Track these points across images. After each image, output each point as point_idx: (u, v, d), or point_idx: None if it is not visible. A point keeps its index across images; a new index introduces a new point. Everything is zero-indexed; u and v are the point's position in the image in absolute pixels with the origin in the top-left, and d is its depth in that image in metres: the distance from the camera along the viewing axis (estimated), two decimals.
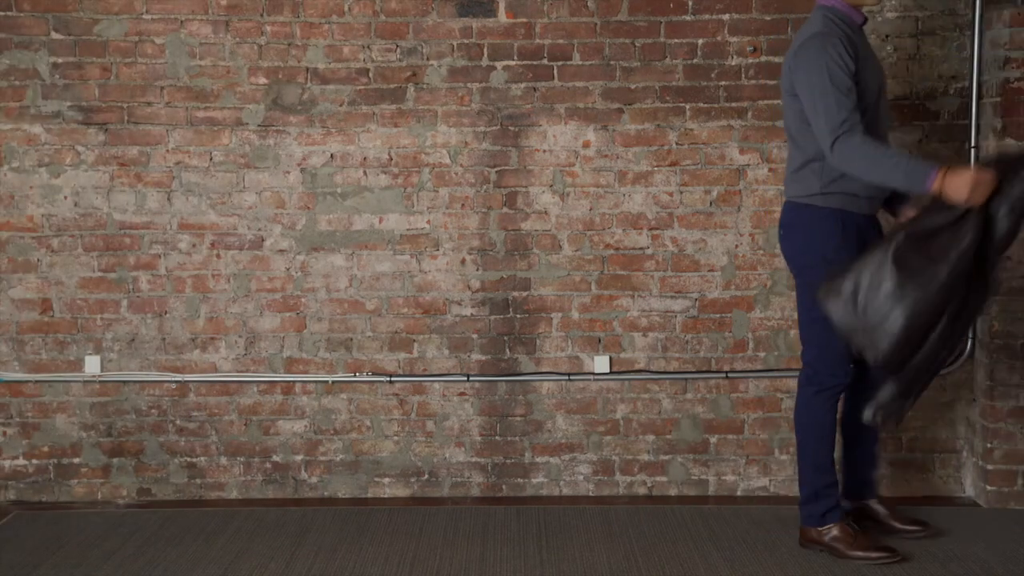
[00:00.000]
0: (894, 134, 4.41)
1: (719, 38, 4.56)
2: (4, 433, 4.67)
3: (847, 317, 3.59)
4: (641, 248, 4.63)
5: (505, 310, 4.66)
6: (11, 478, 4.68)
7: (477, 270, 4.65)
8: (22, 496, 4.69)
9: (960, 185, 3.50)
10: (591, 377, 4.67)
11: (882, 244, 3.61)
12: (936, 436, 4.66)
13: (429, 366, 4.68)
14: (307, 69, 4.59)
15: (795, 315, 4.53)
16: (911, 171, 3.58)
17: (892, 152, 3.62)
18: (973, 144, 4.49)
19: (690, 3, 4.55)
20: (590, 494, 4.71)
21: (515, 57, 4.58)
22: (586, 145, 4.61)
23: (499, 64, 4.58)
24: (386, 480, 4.72)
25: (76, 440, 4.68)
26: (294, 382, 4.69)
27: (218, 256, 4.64)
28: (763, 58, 4.56)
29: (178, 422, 4.69)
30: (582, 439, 4.70)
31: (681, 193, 4.62)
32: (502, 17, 4.57)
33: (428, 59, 4.58)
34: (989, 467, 4.46)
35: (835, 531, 3.90)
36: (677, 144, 4.60)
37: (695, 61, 4.57)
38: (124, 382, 4.67)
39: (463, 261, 4.64)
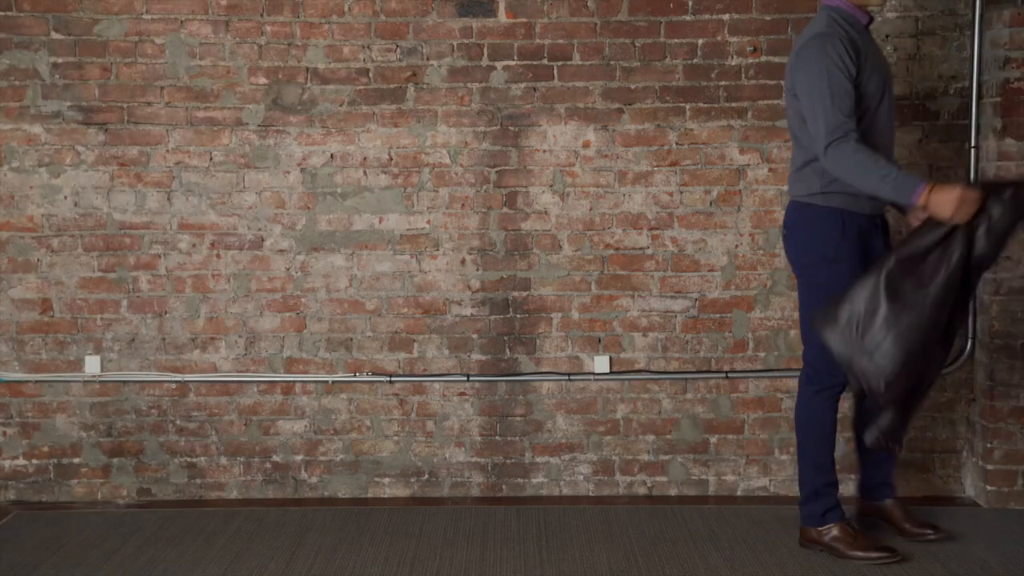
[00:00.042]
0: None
1: (719, 38, 4.56)
2: (4, 433, 4.67)
3: (845, 345, 3.64)
4: (641, 248, 4.64)
5: (505, 310, 4.66)
6: (11, 478, 4.68)
7: (477, 270, 4.65)
8: (22, 496, 4.69)
9: (946, 201, 3.56)
10: (591, 377, 4.67)
11: (875, 269, 3.65)
12: (936, 436, 4.66)
13: (429, 366, 4.68)
14: (307, 69, 4.59)
15: (795, 315, 4.53)
16: (899, 183, 3.62)
17: (883, 163, 3.64)
18: (973, 144, 4.49)
19: (690, 3, 4.55)
20: (590, 494, 4.71)
21: (515, 57, 4.58)
22: (586, 145, 4.61)
23: (499, 64, 4.58)
24: (386, 480, 4.72)
25: (76, 440, 4.68)
26: (294, 382, 4.69)
27: (218, 256, 4.64)
28: (763, 58, 4.56)
29: (178, 422, 4.69)
30: (582, 439, 4.70)
31: (681, 193, 4.62)
32: (502, 17, 4.57)
33: (428, 59, 4.58)
34: (989, 467, 4.46)
35: (835, 531, 3.90)
36: (677, 144, 4.60)
37: (695, 61, 4.57)
38: (124, 382, 4.67)
39: (463, 261, 4.64)
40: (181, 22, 4.56)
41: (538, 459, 4.71)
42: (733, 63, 4.57)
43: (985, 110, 4.47)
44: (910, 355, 3.58)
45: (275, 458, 4.70)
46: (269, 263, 4.64)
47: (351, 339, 4.67)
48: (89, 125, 4.59)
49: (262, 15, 4.57)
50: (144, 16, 4.55)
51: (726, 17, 4.55)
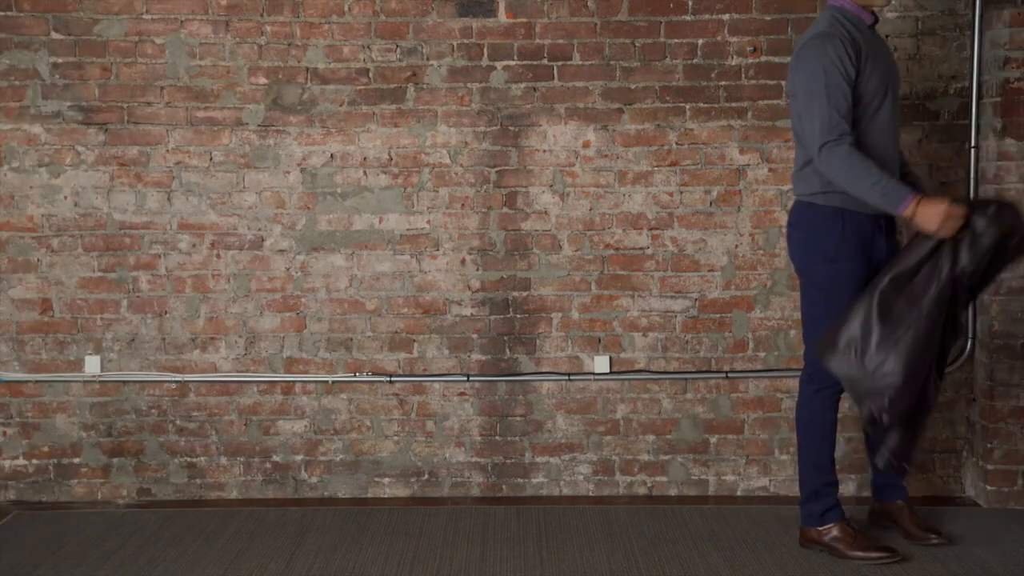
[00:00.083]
0: None
1: (719, 38, 4.56)
2: (4, 433, 4.67)
3: (848, 368, 3.68)
4: (641, 248, 4.63)
5: (505, 310, 4.66)
6: (11, 478, 4.68)
7: (477, 270, 4.65)
8: (22, 496, 4.69)
9: (932, 215, 3.60)
10: (591, 377, 4.67)
11: (868, 290, 3.70)
12: (936, 436, 4.66)
13: (429, 366, 4.68)
14: (307, 69, 4.59)
15: (795, 315, 4.54)
16: (888, 193, 3.64)
17: (875, 171, 3.65)
18: (973, 144, 4.49)
19: (690, 3, 4.55)
20: (590, 494, 4.71)
21: (515, 57, 4.58)
22: (586, 145, 4.61)
23: (499, 64, 4.58)
24: (386, 480, 4.72)
25: (76, 440, 4.68)
26: (294, 382, 4.69)
27: (218, 256, 4.64)
28: (763, 58, 4.56)
29: (178, 422, 4.69)
30: (582, 439, 4.70)
31: (681, 193, 4.62)
32: (502, 17, 4.57)
33: (428, 59, 4.58)
34: (989, 467, 4.46)
35: (835, 531, 3.90)
36: (677, 144, 4.60)
37: (695, 61, 4.57)
38: (124, 382, 4.67)
39: (463, 261, 4.64)
40: (181, 22, 4.56)
41: (538, 459, 4.71)
42: (733, 63, 4.57)
43: (985, 110, 4.47)
44: (909, 371, 3.62)
45: (275, 458, 4.70)
46: (269, 263, 4.64)
47: (351, 339, 4.67)
48: (89, 125, 4.59)
49: (262, 15, 4.57)
50: (144, 16, 4.55)
51: (726, 17, 4.55)
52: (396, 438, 4.70)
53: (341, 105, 4.59)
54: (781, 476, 4.68)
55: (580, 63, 4.58)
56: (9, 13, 4.53)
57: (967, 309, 4.01)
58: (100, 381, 4.66)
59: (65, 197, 4.60)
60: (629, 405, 4.68)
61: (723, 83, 4.57)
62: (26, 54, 4.55)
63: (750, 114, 4.58)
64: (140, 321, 4.64)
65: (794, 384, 4.31)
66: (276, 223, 4.63)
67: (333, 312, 4.66)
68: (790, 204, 4.48)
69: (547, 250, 4.64)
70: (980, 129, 4.49)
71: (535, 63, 4.58)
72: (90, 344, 4.65)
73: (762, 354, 4.65)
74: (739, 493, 4.70)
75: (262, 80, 4.58)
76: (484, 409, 4.69)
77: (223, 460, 4.70)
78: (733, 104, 4.58)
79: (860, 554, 3.85)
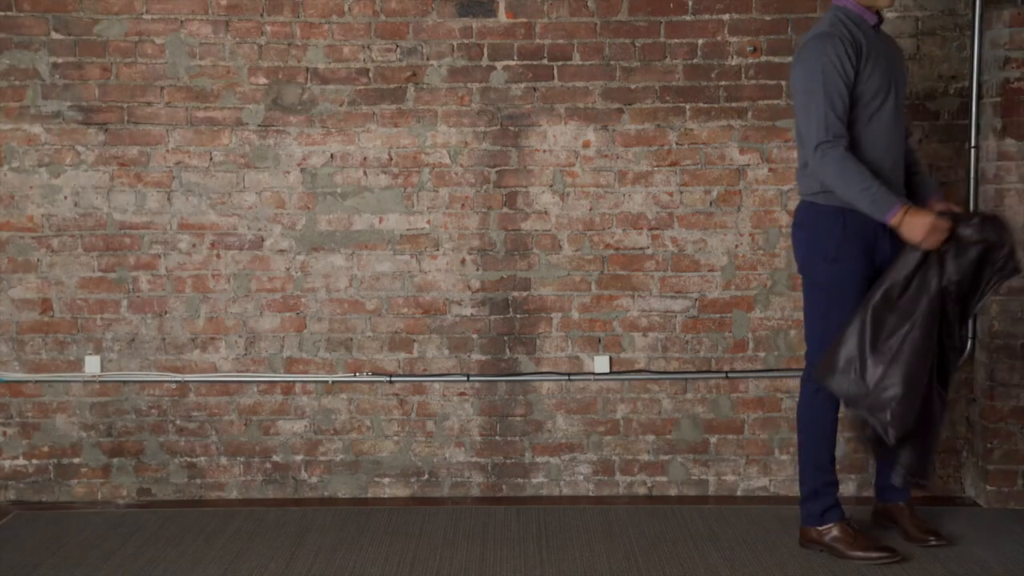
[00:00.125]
0: None
1: (719, 38, 4.56)
2: (4, 433, 4.67)
3: (850, 386, 3.72)
4: (641, 248, 4.63)
5: (505, 310, 4.66)
6: (11, 478, 4.68)
7: (477, 270, 4.65)
8: (22, 496, 4.69)
9: (918, 226, 3.63)
10: (591, 377, 4.67)
11: (862, 308, 3.72)
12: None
13: (429, 366, 4.68)
14: (307, 69, 4.59)
15: (795, 315, 4.54)
16: (877, 200, 3.66)
17: (866, 177, 3.66)
18: (973, 144, 4.49)
19: (690, 3, 4.55)
20: (590, 494, 4.71)
21: (515, 57, 4.58)
22: (586, 145, 4.61)
23: (499, 64, 4.58)
24: (386, 480, 4.72)
25: (76, 440, 4.68)
26: (294, 382, 4.69)
27: (218, 256, 4.64)
28: (763, 58, 4.56)
29: (178, 422, 4.69)
30: (582, 439, 4.70)
31: (681, 193, 4.62)
32: (502, 17, 4.57)
33: (428, 59, 4.58)
34: (989, 467, 4.46)
35: (835, 531, 3.90)
36: (677, 144, 4.60)
37: (695, 61, 4.57)
38: (124, 382, 4.67)
39: (463, 261, 4.64)
40: (181, 22, 4.56)
41: (538, 459, 4.71)
42: (733, 63, 4.57)
43: (985, 110, 4.47)
44: (909, 382, 3.65)
45: (275, 458, 4.70)
46: (269, 263, 4.64)
47: (351, 339, 4.67)
48: (89, 125, 4.59)
49: (262, 15, 4.57)
50: (144, 16, 4.55)
51: (726, 17, 4.55)
52: (396, 438, 4.70)
53: (341, 105, 4.59)
54: (781, 476, 4.68)
55: (580, 63, 4.58)
56: (9, 13, 4.53)
57: (965, 324, 4.03)
58: (100, 381, 4.66)
59: (65, 197, 4.60)
60: (629, 405, 4.68)
61: (723, 83, 4.57)
62: (26, 54, 4.55)
63: (750, 114, 4.58)
64: (140, 321, 4.64)
65: (794, 384, 4.31)
66: (276, 223, 4.63)
67: (333, 312, 4.66)
68: (790, 204, 4.50)
69: (547, 250, 4.64)
70: (980, 129, 4.49)
71: (535, 63, 4.58)
72: (90, 344, 4.65)
73: (762, 354, 4.65)
74: (739, 493, 4.70)
75: (262, 80, 4.58)
76: (484, 409, 4.69)
77: (223, 460, 4.70)
78: (733, 104, 4.58)
79: (860, 554, 3.85)
